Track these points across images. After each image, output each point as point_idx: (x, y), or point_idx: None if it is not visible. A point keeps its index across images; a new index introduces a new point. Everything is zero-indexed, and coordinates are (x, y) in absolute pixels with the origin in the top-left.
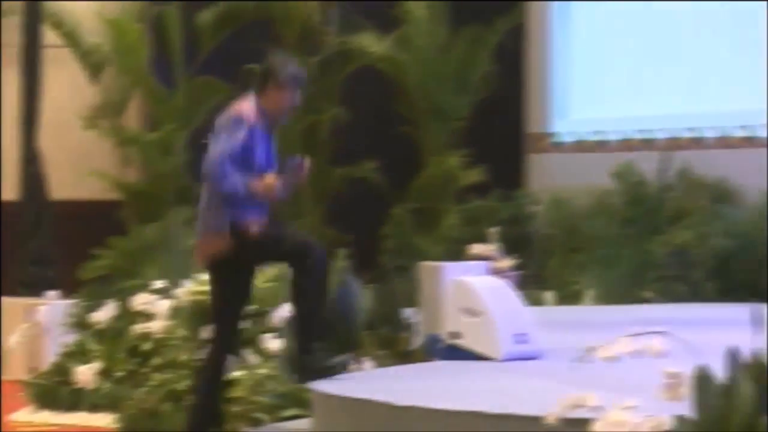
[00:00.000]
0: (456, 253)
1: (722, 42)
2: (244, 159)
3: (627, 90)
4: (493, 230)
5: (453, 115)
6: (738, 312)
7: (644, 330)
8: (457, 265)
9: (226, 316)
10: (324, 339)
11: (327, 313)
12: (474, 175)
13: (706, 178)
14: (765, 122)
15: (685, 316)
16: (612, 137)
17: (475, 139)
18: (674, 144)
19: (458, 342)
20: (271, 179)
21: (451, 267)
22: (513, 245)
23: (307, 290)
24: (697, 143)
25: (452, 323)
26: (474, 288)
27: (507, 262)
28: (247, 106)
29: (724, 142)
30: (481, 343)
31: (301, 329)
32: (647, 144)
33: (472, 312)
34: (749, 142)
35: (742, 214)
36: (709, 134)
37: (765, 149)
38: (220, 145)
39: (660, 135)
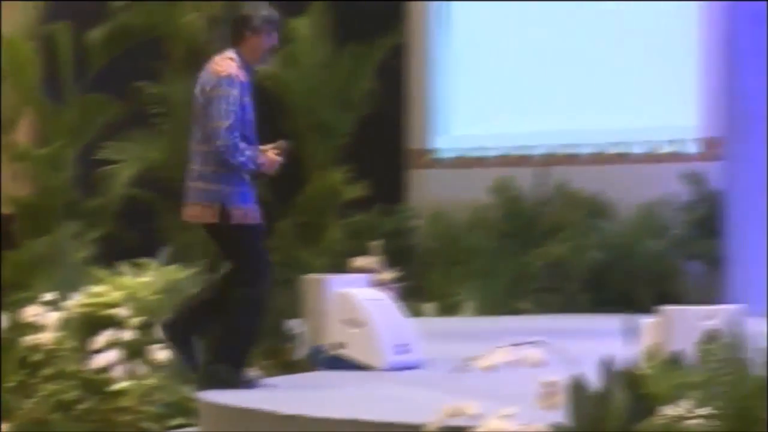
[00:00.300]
0: (339, 265)
1: (597, 61)
2: (241, 121)
3: (505, 107)
4: (376, 244)
5: (337, 132)
6: (612, 323)
7: (522, 340)
8: (341, 277)
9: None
10: (244, 357)
11: (254, 336)
12: (357, 190)
13: (582, 193)
14: (639, 139)
15: (561, 326)
16: (491, 153)
17: (359, 155)
18: (551, 160)
19: (342, 352)
20: (274, 155)
21: (335, 279)
22: (395, 258)
23: (242, 309)
24: (573, 159)
25: (336, 334)
26: (357, 300)
27: (389, 275)
28: (231, 63)
29: (599, 158)
30: (363, 353)
31: (223, 340)
32: (525, 160)
33: (355, 323)
34: (623, 158)
35: (616, 227)
36: (585, 150)
37: (638, 165)
38: (223, 113)
39: (537, 151)
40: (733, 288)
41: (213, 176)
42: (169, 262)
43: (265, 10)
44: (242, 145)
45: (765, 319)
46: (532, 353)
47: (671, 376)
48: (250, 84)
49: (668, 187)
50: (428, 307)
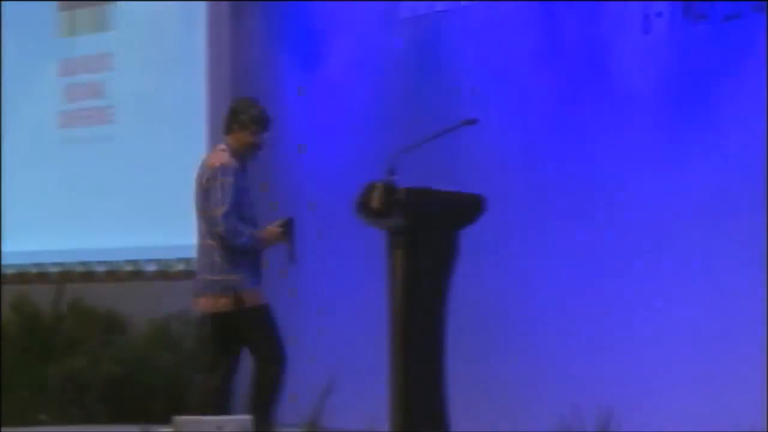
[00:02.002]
0: None
1: (111, 183)
2: (239, 204)
3: (21, 227)
4: None
5: None
6: None
7: None
8: None
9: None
10: None
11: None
12: None
13: (97, 309)
14: (151, 257)
15: None
16: (9, 271)
17: None
18: (67, 277)
19: None
20: (274, 229)
21: None
22: None
23: (273, 387)
24: (89, 277)
25: None
26: None
27: None
28: (223, 154)
29: (114, 276)
30: None
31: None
32: (42, 278)
33: None
34: (137, 275)
35: (131, 342)
36: (100, 268)
37: (151, 282)
38: (219, 201)
39: (54, 269)
40: (242, 399)
41: (225, 268)
42: None
43: (255, 109)
44: (240, 226)
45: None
46: None
47: None
48: (244, 173)
49: (180, 303)
50: None
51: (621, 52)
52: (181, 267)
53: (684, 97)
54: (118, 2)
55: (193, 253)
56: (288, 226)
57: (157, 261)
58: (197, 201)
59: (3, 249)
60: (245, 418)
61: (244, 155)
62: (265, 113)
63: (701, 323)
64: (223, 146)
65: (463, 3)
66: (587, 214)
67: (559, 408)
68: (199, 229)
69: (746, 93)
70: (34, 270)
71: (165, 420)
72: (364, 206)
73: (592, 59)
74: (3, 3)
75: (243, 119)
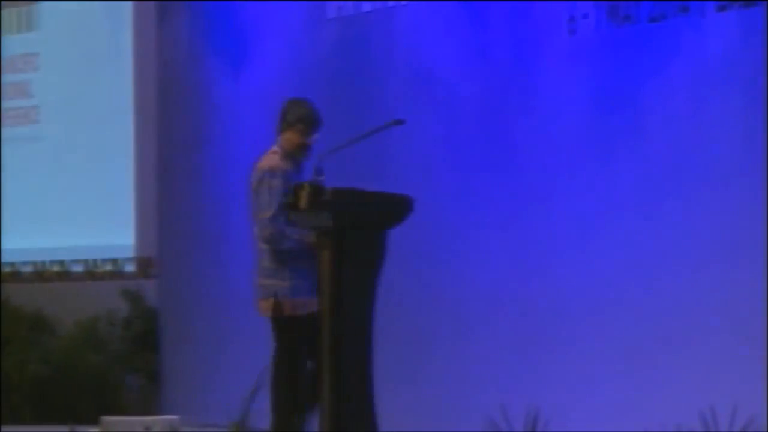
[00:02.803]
0: None
1: (36, 182)
2: None
3: None
4: None
5: None
6: None
7: None
8: None
9: None
10: None
11: None
12: None
13: (24, 309)
14: (78, 258)
15: None
16: None
17: None
18: None
19: None
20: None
21: None
22: None
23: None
24: (15, 277)
25: None
26: None
27: None
28: (273, 156)
29: (40, 276)
30: None
31: None
32: None
33: None
34: (65, 276)
35: (58, 343)
36: (26, 269)
37: (78, 283)
38: (266, 204)
39: None
40: (170, 400)
41: (270, 271)
42: None
43: (303, 108)
44: (288, 230)
45: (201, 428)
46: None
47: None
48: (296, 173)
49: (108, 304)
50: None
51: (547, 54)
52: (108, 267)
53: (610, 99)
54: (43, 2)
55: (119, 254)
56: None
57: (84, 261)
58: (249, 203)
59: None
60: (172, 418)
61: (295, 156)
62: (314, 113)
63: (627, 323)
64: (275, 147)
65: (390, 4)
66: (514, 214)
67: (486, 408)
68: (254, 232)
69: (672, 94)
70: None
71: (92, 420)
72: (292, 206)
73: (518, 60)
74: None
75: (290, 118)
